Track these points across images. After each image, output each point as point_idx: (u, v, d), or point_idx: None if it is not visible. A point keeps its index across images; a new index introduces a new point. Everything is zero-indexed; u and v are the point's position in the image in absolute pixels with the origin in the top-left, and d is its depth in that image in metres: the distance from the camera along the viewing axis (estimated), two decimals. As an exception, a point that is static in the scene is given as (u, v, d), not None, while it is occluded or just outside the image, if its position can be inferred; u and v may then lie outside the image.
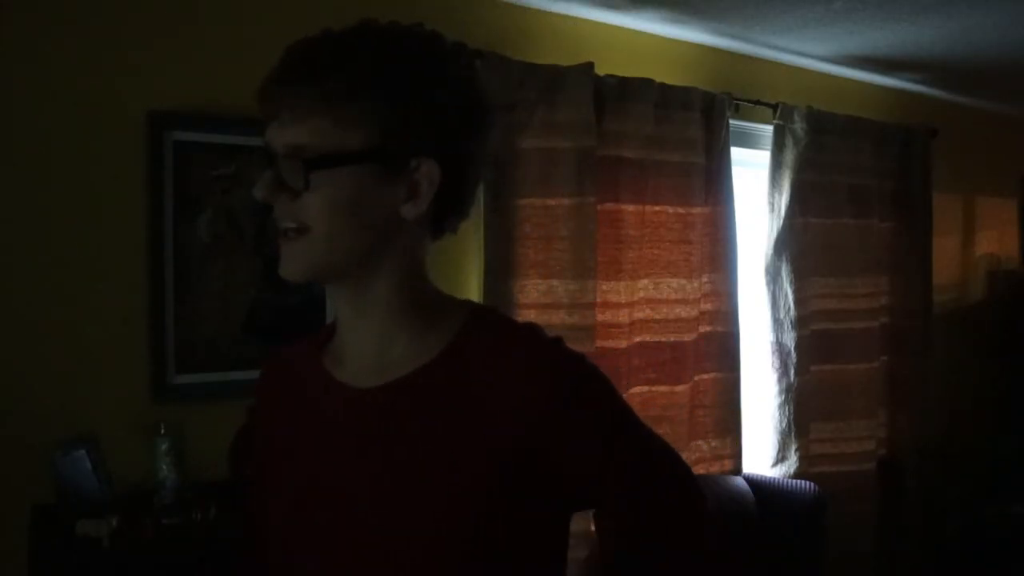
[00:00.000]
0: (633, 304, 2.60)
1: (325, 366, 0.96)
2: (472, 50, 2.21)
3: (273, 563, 0.95)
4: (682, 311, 2.70)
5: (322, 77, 0.85)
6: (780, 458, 3.04)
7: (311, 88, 0.85)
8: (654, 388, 2.66)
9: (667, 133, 2.63)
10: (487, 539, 0.84)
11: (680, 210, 2.69)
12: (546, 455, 0.86)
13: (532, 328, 0.93)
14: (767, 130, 3.02)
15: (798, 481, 2.91)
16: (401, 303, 0.91)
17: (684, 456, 2.75)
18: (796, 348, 3.03)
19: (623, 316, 2.54)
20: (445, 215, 0.92)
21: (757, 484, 2.81)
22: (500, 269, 2.33)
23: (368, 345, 0.92)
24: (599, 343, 2.46)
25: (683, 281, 2.70)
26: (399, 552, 0.85)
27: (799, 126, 3.01)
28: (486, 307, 0.99)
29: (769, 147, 3.02)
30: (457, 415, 0.86)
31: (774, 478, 2.97)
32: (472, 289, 2.38)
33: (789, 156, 3.02)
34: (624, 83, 2.50)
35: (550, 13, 2.50)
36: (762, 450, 3.06)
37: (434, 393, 0.88)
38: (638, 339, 2.62)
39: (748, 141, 3.04)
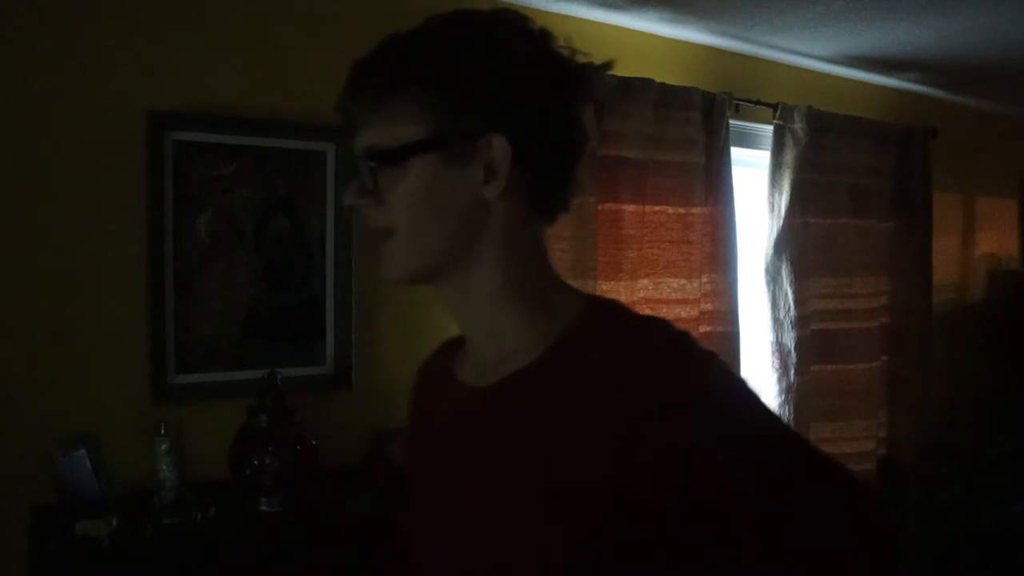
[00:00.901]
0: (633, 304, 2.59)
1: (453, 366, 0.95)
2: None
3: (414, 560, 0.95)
4: (682, 311, 2.70)
5: (371, 78, 0.85)
6: (780, 458, 3.04)
7: (365, 91, 0.85)
8: (654, 388, 2.65)
9: (667, 133, 2.63)
10: (588, 565, 0.75)
11: (680, 210, 2.69)
12: (648, 473, 0.73)
13: (652, 324, 0.84)
14: (767, 130, 3.02)
15: (798, 481, 2.91)
16: (505, 293, 0.87)
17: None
18: (796, 348, 3.02)
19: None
20: (541, 191, 0.87)
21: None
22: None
23: (480, 341, 0.90)
24: (599, 343, 2.46)
25: (683, 281, 2.70)
26: (498, 565, 0.80)
27: (799, 126, 3.01)
28: (608, 299, 0.90)
29: (769, 147, 3.02)
30: (559, 419, 0.78)
31: (774, 478, 2.97)
32: (472, 289, 2.38)
33: (789, 156, 3.02)
34: (624, 83, 2.50)
35: (550, 13, 2.50)
36: (762, 450, 3.06)
37: (537, 394, 0.82)
38: (638, 339, 2.62)
39: (748, 141, 3.04)
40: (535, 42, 0.86)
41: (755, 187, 3.09)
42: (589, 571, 0.75)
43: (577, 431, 0.76)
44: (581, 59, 0.88)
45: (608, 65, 0.92)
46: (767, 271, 3.04)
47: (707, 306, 2.78)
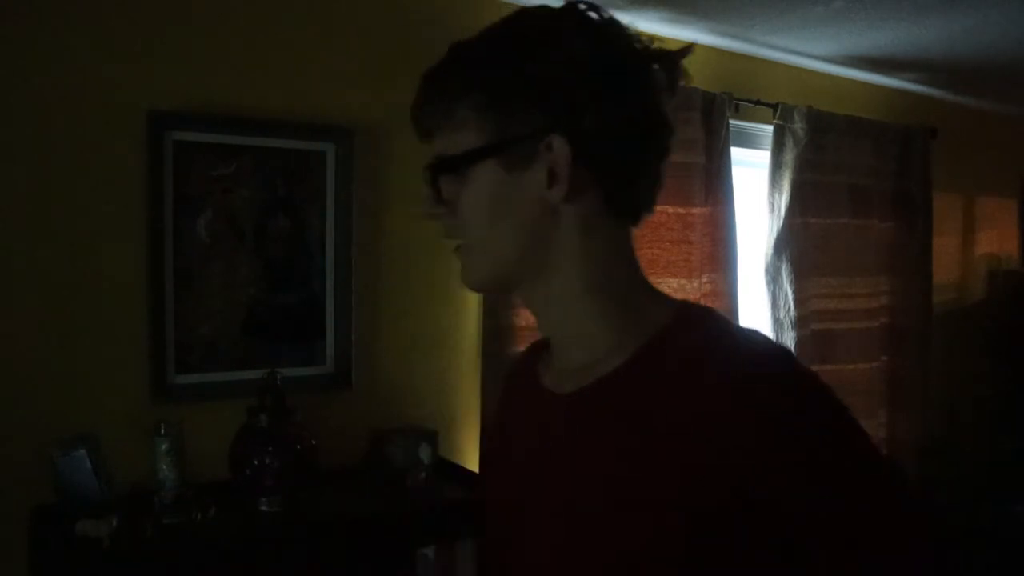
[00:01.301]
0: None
1: (537, 370, 0.94)
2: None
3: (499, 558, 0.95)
4: (682, 311, 2.70)
5: (436, 88, 0.84)
6: (780, 458, 3.04)
7: (431, 102, 0.84)
8: (654, 388, 2.65)
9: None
10: None
11: (680, 210, 2.69)
12: (739, 496, 0.70)
13: (751, 336, 0.80)
14: (767, 130, 3.02)
15: (798, 481, 2.91)
16: (585, 298, 0.84)
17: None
18: (796, 348, 3.03)
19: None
20: (615, 191, 0.83)
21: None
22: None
23: (565, 346, 0.88)
24: (599, 343, 2.45)
25: (683, 281, 2.70)
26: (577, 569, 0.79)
27: (799, 126, 3.01)
28: (702, 307, 0.87)
29: (769, 147, 3.02)
30: (644, 430, 0.76)
31: (774, 478, 2.97)
32: (472, 289, 2.37)
33: (789, 156, 3.02)
34: (624, 83, 2.49)
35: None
36: (762, 450, 3.06)
37: (617, 402, 0.79)
38: (638, 339, 2.62)
39: (748, 141, 3.04)
40: (596, 34, 0.82)
41: (755, 187, 3.10)
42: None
43: (654, 442, 0.75)
44: (654, 47, 0.84)
45: (687, 50, 0.87)
46: (767, 271, 3.04)
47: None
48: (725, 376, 0.73)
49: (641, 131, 0.82)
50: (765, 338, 0.80)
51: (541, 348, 0.97)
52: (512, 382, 1.03)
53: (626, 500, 0.75)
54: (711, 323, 0.82)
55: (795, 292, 3.02)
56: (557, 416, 0.86)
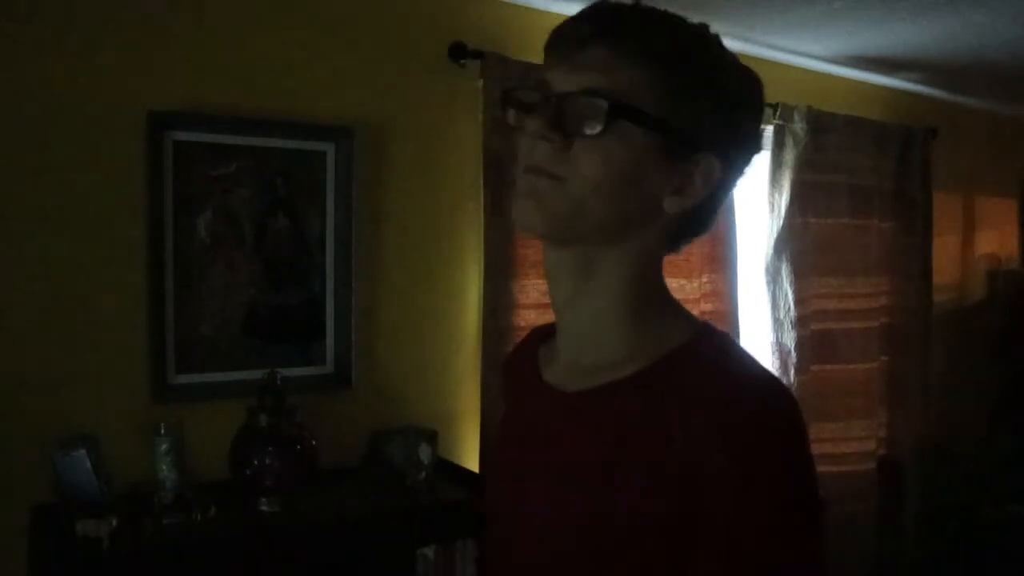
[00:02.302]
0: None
1: (538, 363, 0.94)
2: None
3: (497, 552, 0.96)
4: (682, 311, 2.70)
5: (645, 33, 0.80)
6: (780, 458, 3.04)
7: (630, 40, 0.79)
8: (654, 388, 2.66)
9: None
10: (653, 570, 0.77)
11: (680, 210, 2.69)
12: (711, 509, 0.75)
13: (757, 371, 0.83)
14: (767, 130, 3.02)
15: (798, 481, 2.91)
16: (623, 295, 0.85)
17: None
18: (796, 348, 3.03)
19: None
20: (692, 224, 0.87)
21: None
22: (500, 269, 2.32)
23: (581, 337, 0.87)
24: (599, 343, 2.45)
25: (683, 281, 2.70)
26: (569, 559, 0.82)
27: (799, 126, 3.01)
28: (719, 332, 0.88)
29: (769, 147, 3.02)
30: (656, 434, 0.78)
31: (774, 478, 2.97)
32: (472, 289, 2.38)
33: (789, 156, 3.02)
34: (624, 83, 2.50)
35: (550, 13, 2.50)
36: (762, 450, 3.06)
37: (625, 411, 0.82)
38: (638, 339, 2.62)
39: (748, 141, 3.04)
40: (751, 76, 0.88)
41: (755, 187, 3.10)
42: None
43: (647, 448, 0.78)
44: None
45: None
46: (767, 271, 3.04)
47: (707, 306, 2.78)
48: (723, 402, 0.77)
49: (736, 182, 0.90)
50: (770, 375, 0.84)
51: (538, 342, 0.98)
52: (512, 373, 1.04)
53: (613, 497, 0.78)
54: (724, 350, 0.84)
55: (795, 292, 3.02)
56: (557, 412, 0.87)
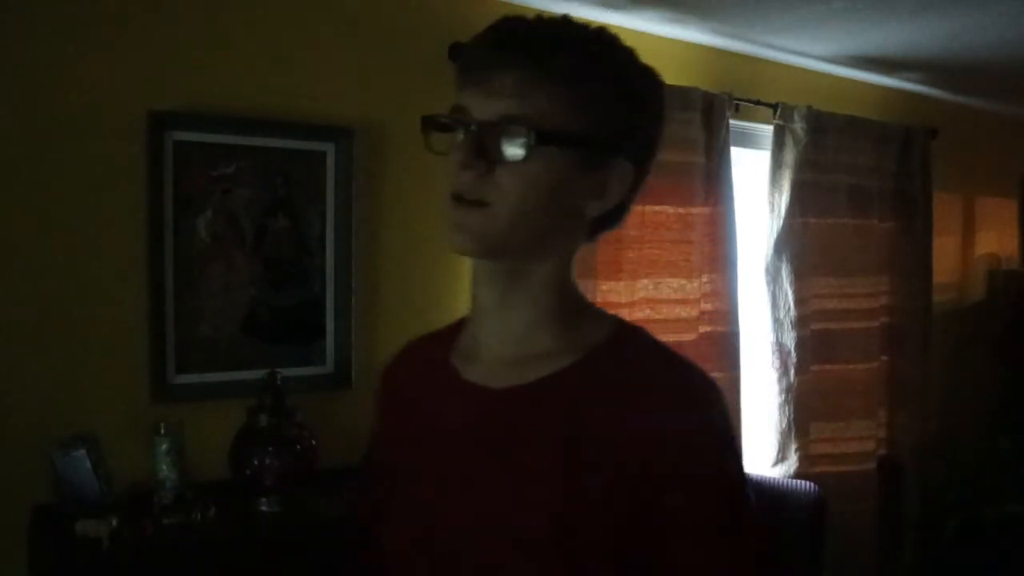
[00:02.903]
0: (633, 304, 2.59)
1: (453, 363, 0.95)
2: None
3: (389, 555, 0.95)
4: (682, 311, 2.70)
5: (553, 53, 0.84)
6: (780, 458, 3.04)
7: (540, 62, 0.83)
8: (654, 388, 2.65)
9: (667, 133, 2.60)
10: (594, 556, 0.82)
11: (680, 210, 2.69)
12: (658, 489, 0.81)
13: (682, 358, 0.90)
14: (767, 130, 3.02)
15: (798, 481, 2.91)
16: (551, 298, 0.91)
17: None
18: (796, 348, 3.02)
19: (623, 316, 2.54)
20: (608, 220, 0.93)
21: (757, 484, 2.81)
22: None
23: (509, 338, 0.91)
24: (599, 343, 2.45)
25: (683, 281, 2.70)
26: (509, 551, 0.85)
27: (799, 126, 3.01)
28: (634, 324, 0.96)
29: (769, 147, 3.02)
30: (583, 429, 0.84)
31: (774, 478, 2.97)
32: (472, 289, 2.37)
33: (789, 156, 3.02)
34: (624, 83, 2.49)
35: (550, 13, 2.50)
36: (762, 450, 3.06)
37: (565, 401, 0.86)
38: (638, 339, 2.62)
39: (748, 141, 3.04)
40: (653, 76, 0.93)
41: (755, 187, 3.10)
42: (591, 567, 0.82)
43: (596, 432, 0.84)
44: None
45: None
46: (767, 271, 3.04)
47: (707, 306, 2.78)
48: (672, 389, 0.86)
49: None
50: (691, 361, 0.91)
51: (450, 337, 1.00)
52: (410, 369, 1.04)
53: (565, 479, 0.83)
54: (650, 342, 0.92)
55: (795, 292, 3.02)
56: (490, 407, 0.90)
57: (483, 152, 0.83)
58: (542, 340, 0.90)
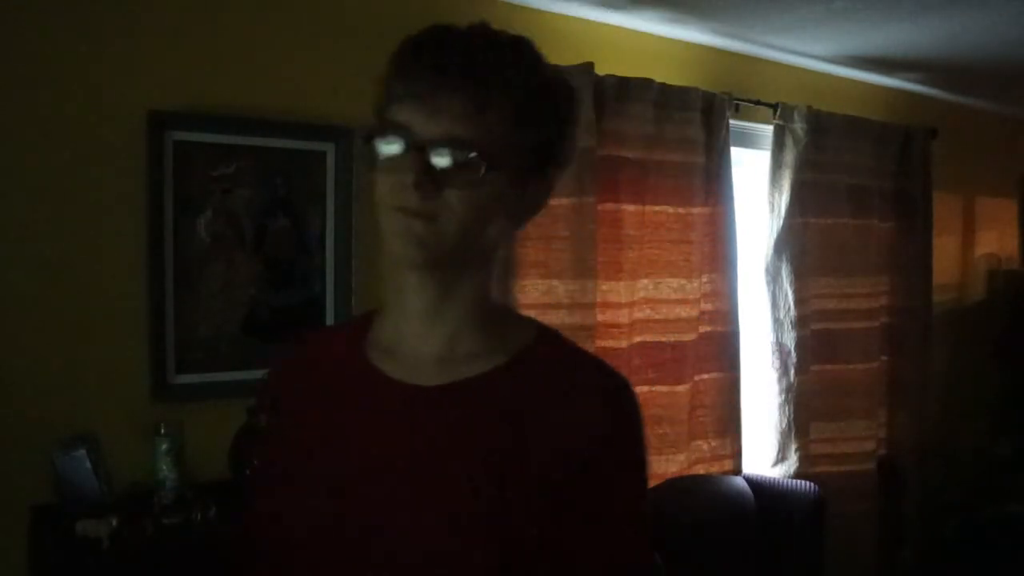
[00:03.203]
0: (633, 304, 2.60)
1: (371, 359, 0.95)
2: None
3: (297, 559, 0.93)
4: (682, 311, 2.70)
5: (497, 74, 0.86)
6: (780, 458, 3.04)
7: (486, 84, 0.85)
8: (654, 388, 2.66)
9: (667, 133, 2.63)
10: (529, 549, 0.86)
11: (680, 210, 2.69)
12: (584, 484, 0.87)
13: (605, 361, 0.98)
14: (767, 130, 3.02)
15: (798, 481, 2.91)
16: (478, 305, 0.94)
17: (683, 456, 2.77)
18: (796, 348, 3.02)
19: (623, 316, 2.54)
20: (527, 221, 0.98)
21: (757, 484, 2.81)
22: (500, 269, 2.32)
23: (436, 341, 0.93)
24: (599, 343, 2.46)
25: (683, 281, 2.70)
26: (440, 551, 0.87)
27: (799, 126, 3.01)
28: (553, 328, 1.01)
29: (769, 147, 3.02)
30: (518, 424, 0.89)
31: (774, 478, 2.97)
32: (472, 289, 2.38)
33: (789, 156, 3.02)
34: (624, 83, 2.50)
35: (550, 13, 2.50)
36: (762, 450, 3.06)
37: (498, 398, 0.91)
38: (638, 339, 2.62)
39: (748, 141, 3.04)
40: (570, 87, 0.96)
41: (755, 187, 3.10)
42: (528, 555, 0.87)
43: (529, 427, 0.89)
44: None
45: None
46: (767, 271, 3.04)
47: (707, 306, 2.78)
48: (595, 386, 0.92)
49: None
50: (604, 360, 0.99)
51: (358, 333, 0.99)
52: (315, 366, 1.02)
53: (502, 470, 0.87)
54: (569, 344, 0.98)
55: (795, 292, 3.02)
56: (421, 403, 0.91)
57: (432, 172, 0.85)
58: (471, 342, 0.93)
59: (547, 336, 0.97)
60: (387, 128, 0.89)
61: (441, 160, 0.85)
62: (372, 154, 0.91)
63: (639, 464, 0.93)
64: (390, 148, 0.88)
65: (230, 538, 1.03)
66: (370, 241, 2.22)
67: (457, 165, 0.85)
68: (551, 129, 0.91)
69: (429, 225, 0.86)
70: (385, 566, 0.88)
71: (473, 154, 0.85)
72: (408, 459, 0.90)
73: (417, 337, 0.94)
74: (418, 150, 0.85)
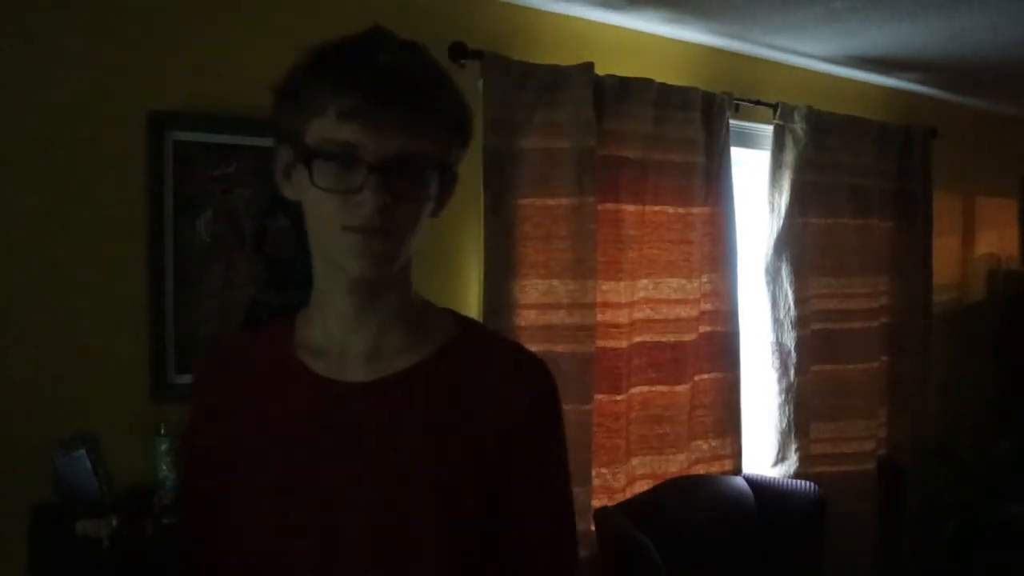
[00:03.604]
0: (633, 304, 2.60)
1: (301, 360, 0.98)
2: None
3: (242, 562, 0.95)
4: (682, 311, 2.70)
5: (431, 90, 0.90)
6: (780, 458, 3.05)
7: (424, 101, 0.89)
8: (654, 388, 2.66)
9: (667, 133, 2.63)
10: (474, 523, 0.93)
11: (680, 210, 2.69)
12: (512, 455, 0.95)
13: (518, 343, 1.05)
14: (767, 130, 3.02)
15: (798, 481, 2.91)
16: (403, 302, 0.99)
17: (683, 456, 2.77)
18: (796, 348, 3.03)
19: (623, 316, 2.54)
20: None
21: (757, 484, 2.81)
22: (500, 269, 2.33)
23: (365, 340, 0.96)
24: (599, 343, 2.46)
25: (683, 281, 2.70)
26: (395, 533, 0.91)
27: (799, 126, 3.01)
28: (470, 317, 1.07)
29: (769, 147, 3.02)
30: (451, 410, 0.95)
31: (774, 478, 2.97)
32: (472, 289, 2.38)
33: (789, 156, 3.02)
34: (624, 83, 2.50)
35: (550, 13, 2.50)
36: (762, 450, 3.07)
37: (430, 388, 0.95)
38: (638, 339, 2.62)
39: (748, 141, 3.04)
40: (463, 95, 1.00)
41: (755, 187, 3.10)
42: (473, 534, 0.94)
43: (463, 411, 0.95)
44: None
45: None
46: (767, 271, 3.04)
47: (707, 306, 2.78)
48: (515, 370, 0.98)
49: None
50: (526, 348, 1.05)
51: (282, 335, 1.01)
52: (241, 369, 1.02)
53: (442, 454, 0.93)
54: (488, 331, 1.07)
55: (795, 292, 3.02)
56: (358, 399, 0.95)
57: (388, 189, 0.87)
58: (397, 338, 0.97)
59: (467, 326, 1.03)
60: (335, 148, 0.89)
61: (400, 179, 0.87)
62: (310, 173, 0.92)
63: (558, 435, 1.00)
64: (341, 169, 0.88)
65: (175, 546, 1.04)
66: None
67: (412, 182, 0.89)
68: (466, 137, 0.96)
69: (386, 242, 0.90)
70: (340, 555, 0.91)
71: (432, 173, 0.91)
72: (350, 453, 0.93)
73: (347, 337, 0.97)
74: (376, 171, 0.86)
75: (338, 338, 0.97)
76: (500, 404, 0.95)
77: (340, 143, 0.88)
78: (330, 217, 0.90)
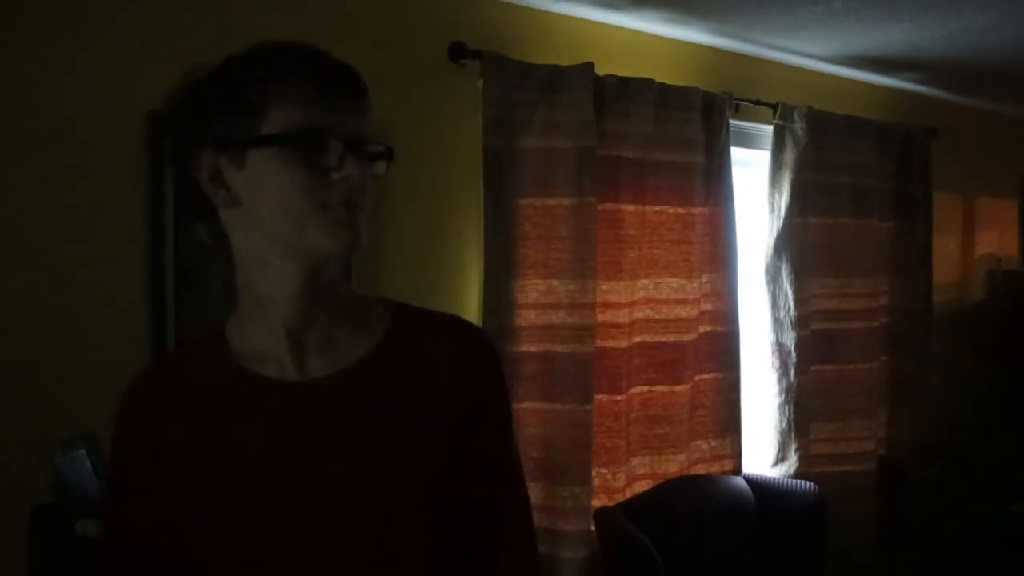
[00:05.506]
0: (633, 304, 2.60)
1: (247, 368, 0.98)
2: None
3: (210, 565, 0.94)
4: (682, 311, 2.70)
5: (362, 81, 1.00)
6: (780, 458, 3.05)
7: (364, 90, 0.99)
8: (654, 388, 2.66)
9: (667, 133, 2.63)
10: (449, 500, 0.96)
11: (680, 210, 2.69)
12: (474, 425, 0.99)
13: (457, 315, 1.08)
14: (767, 130, 3.02)
15: (798, 481, 2.91)
16: (345, 289, 1.02)
17: (684, 456, 2.77)
18: (796, 348, 3.03)
19: (623, 316, 2.54)
20: None
21: (757, 484, 2.81)
22: (500, 269, 2.33)
23: (318, 332, 0.98)
24: (599, 343, 2.46)
25: (683, 281, 2.70)
26: (379, 519, 0.93)
27: (799, 126, 3.01)
28: (398, 299, 1.08)
29: (769, 147, 3.02)
30: (410, 392, 0.98)
31: (774, 478, 2.97)
32: (472, 289, 2.38)
33: (789, 156, 3.02)
34: (624, 83, 2.50)
35: (550, 13, 2.50)
36: (762, 450, 3.07)
37: (387, 374, 0.98)
38: (638, 339, 2.62)
39: (748, 141, 3.04)
40: None
41: (755, 187, 3.10)
42: (449, 510, 0.97)
43: (437, 391, 0.98)
44: None
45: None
46: (767, 271, 3.04)
47: (707, 306, 2.78)
48: (464, 343, 1.02)
49: None
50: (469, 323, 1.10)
51: (216, 345, 1.04)
52: (178, 390, 1.01)
53: (410, 450, 0.95)
54: (424, 310, 1.06)
55: (795, 292, 3.02)
56: (319, 395, 0.96)
57: (366, 167, 0.94)
58: (344, 330, 0.99)
59: (403, 308, 1.05)
60: (306, 132, 0.92)
61: (376, 155, 0.96)
62: (284, 155, 0.92)
63: (509, 404, 1.06)
64: (313, 152, 0.91)
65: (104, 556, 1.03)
66: (369, 239, 2.22)
67: (379, 160, 0.97)
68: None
69: (361, 216, 0.94)
70: (317, 550, 0.91)
71: (389, 149, 0.97)
72: (335, 448, 0.94)
73: (299, 333, 0.97)
74: (357, 146, 0.93)
75: (285, 338, 0.97)
76: (461, 374, 0.99)
77: (310, 126, 0.92)
78: (304, 197, 0.91)
